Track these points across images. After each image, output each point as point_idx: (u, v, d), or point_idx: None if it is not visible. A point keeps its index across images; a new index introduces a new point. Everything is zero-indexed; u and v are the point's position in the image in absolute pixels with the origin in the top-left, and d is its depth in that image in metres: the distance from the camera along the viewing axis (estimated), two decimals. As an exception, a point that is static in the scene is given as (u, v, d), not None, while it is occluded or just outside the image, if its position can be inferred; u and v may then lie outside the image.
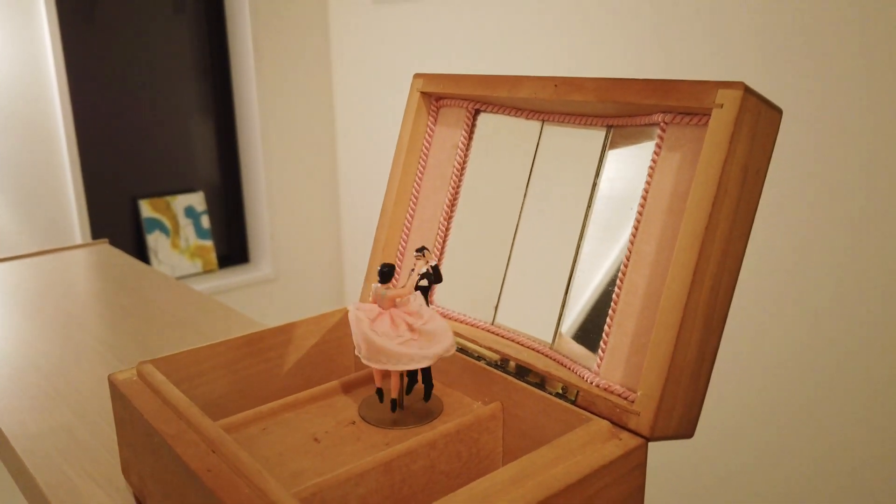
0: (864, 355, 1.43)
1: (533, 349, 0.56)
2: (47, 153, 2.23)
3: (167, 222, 2.66)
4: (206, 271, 2.74)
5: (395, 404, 0.53)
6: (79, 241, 2.33)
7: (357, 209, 2.85)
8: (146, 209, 2.60)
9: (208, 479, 0.41)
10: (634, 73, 1.72)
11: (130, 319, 0.94)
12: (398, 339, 0.48)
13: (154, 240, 2.62)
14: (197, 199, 2.71)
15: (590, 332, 0.53)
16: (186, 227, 2.70)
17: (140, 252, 2.62)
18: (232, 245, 2.88)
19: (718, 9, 1.54)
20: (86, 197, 2.35)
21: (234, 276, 2.74)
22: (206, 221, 2.72)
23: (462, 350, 0.57)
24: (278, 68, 2.67)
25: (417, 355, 0.48)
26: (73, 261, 1.19)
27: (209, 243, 2.74)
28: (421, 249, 0.53)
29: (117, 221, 2.58)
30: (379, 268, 0.50)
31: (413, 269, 0.53)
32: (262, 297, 2.77)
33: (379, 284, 0.51)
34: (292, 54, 2.70)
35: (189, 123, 2.69)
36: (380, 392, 0.54)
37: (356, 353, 0.50)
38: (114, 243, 1.41)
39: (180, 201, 2.68)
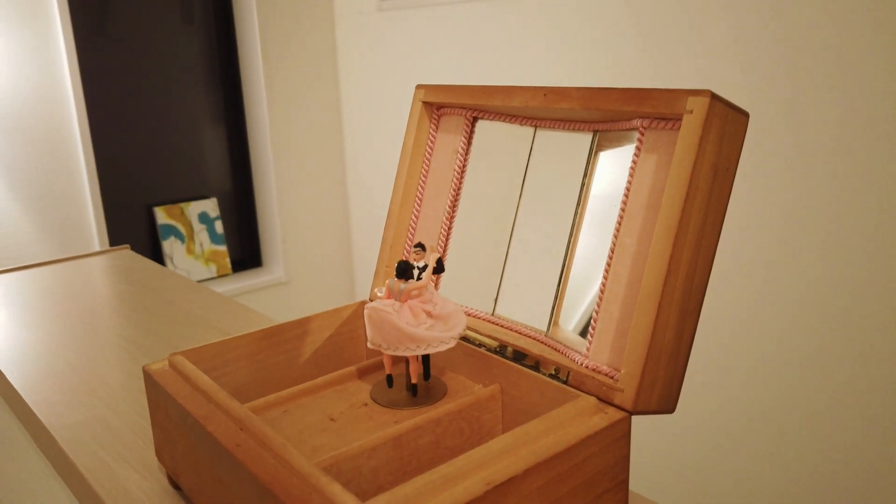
0: (836, 341, 1.52)
1: (529, 336, 0.61)
2: (65, 164, 2.30)
3: (182, 228, 2.72)
4: (221, 276, 2.80)
5: (415, 389, 0.58)
6: (97, 248, 2.40)
7: (366, 213, 2.91)
8: (161, 216, 2.67)
9: (238, 453, 0.46)
10: (622, 82, 1.78)
11: (154, 319, 0.99)
12: (423, 326, 0.54)
13: (169, 245, 2.69)
14: (210, 206, 2.78)
15: (580, 319, 0.58)
16: (200, 232, 2.76)
17: (156, 258, 2.69)
18: (245, 250, 2.94)
19: (696, 23, 1.60)
20: (103, 205, 2.42)
21: (248, 280, 2.80)
22: (219, 227, 2.79)
23: (464, 338, 0.62)
24: (287, 76, 2.73)
25: (444, 337, 0.54)
26: (97, 266, 1.25)
27: (223, 248, 2.80)
28: (419, 245, 0.58)
29: (133, 228, 2.65)
30: (396, 264, 0.56)
31: (425, 264, 0.58)
32: (275, 300, 2.83)
33: (395, 280, 0.56)
34: (300, 62, 2.76)
35: (201, 132, 2.76)
36: (389, 378, 0.59)
37: (371, 345, 0.55)
38: (131, 250, 1.48)
39: (194, 208, 2.74)
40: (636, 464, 1.91)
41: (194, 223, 2.75)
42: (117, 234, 2.57)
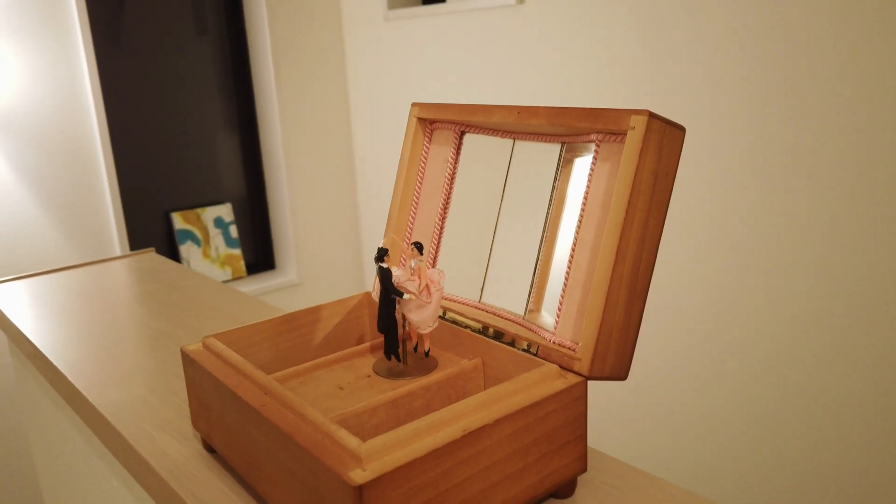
0: (768, 322, 1.67)
1: (508, 319, 0.71)
2: (87, 172, 2.42)
3: (198, 233, 2.84)
4: (236, 278, 2.91)
5: (426, 353, 0.70)
6: (118, 252, 2.52)
7: (375, 216, 3.02)
8: (178, 221, 2.79)
9: (264, 412, 0.56)
10: (625, 83, 1.89)
11: (181, 314, 1.10)
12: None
13: (186, 250, 2.81)
14: (225, 211, 2.89)
15: (551, 303, 0.68)
16: (216, 237, 2.88)
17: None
18: (259, 253, 3.05)
19: (655, 52, 1.71)
20: (123, 211, 2.54)
21: (262, 282, 2.92)
22: (234, 231, 2.90)
23: (453, 321, 0.72)
24: (297, 84, 2.85)
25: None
26: (125, 267, 1.36)
27: (238, 252, 2.92)
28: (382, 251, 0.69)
29: (152, 233, 2.77)
30: (415, 244, 0.68)
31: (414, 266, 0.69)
32: (288, 301, 2.95)
33: (419, 258, 0.68)
34: (310, 71, 2.87)
35: (216, 139, 2.88)
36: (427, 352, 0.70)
37: (424, 329, 0.67)
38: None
39: (210, 213, 2.86)
40: (609, 432, 2.06)
41: (210, 228, 2.87)
42: (137, 239, 2.69)
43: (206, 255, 2.86)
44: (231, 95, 2.88)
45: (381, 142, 2.87)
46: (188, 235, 2.81)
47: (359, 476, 0.47)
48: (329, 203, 3.02)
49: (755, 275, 1.72)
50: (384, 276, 0.70)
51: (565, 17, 1.99)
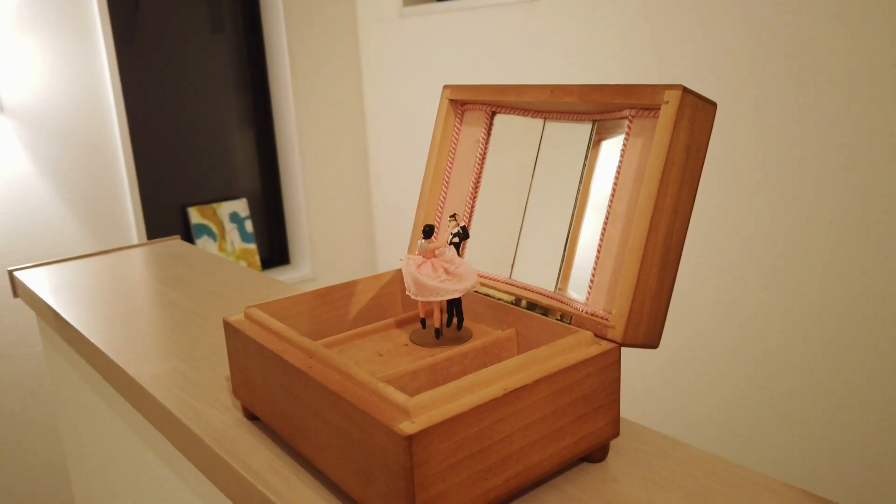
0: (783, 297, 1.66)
1: (540, 293, 0.73)
2: (107, 167, 2.45)
3: (214, 227, 2.87)
4: (251, 272, 2.94)
5: (437, 332, 0.70)
6: (137, 245, 2.55)
7: (389, 211, 3.04)
8: (194, 215, 2.82)
9: (311, 373, 0.59)
10: (629, 78, 1.91)
11: (211, 295, 1.13)
12: (437, 279, 0.66)
13: (202, 244, 2.83)
14: (240, 206, 2.92)
15: (582, 278, 0.70)
16: (231, 231, 2.91)
17: (191, 255, 2.83)
18: (273, 248, 3.08)
19: (697, 26, 1.72)
20: (141, 206, 2.57)
21: (276, 277, 2.94)
22: (249, 226, 2.93)
23: (486, 294, 0.74)
24: (313, 81, 2.88)
25: (451, 289, 0.66)
26: (153, 254, 1.39)
27: (253, 246, 2.94)
28: (453, 215, 0.70)
29: (169, 227, 2.80)
30: (423, 227, 0.68)
31: (457, 231, 0.71)
32: (303, 295, 2.97)
33: (423, 240, 0.69)
34: (325, 68, 2.90)
35: (232, 136, 2.91)
36: (423, 321, 0.71)
37: (406, 292, 0.68)
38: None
39: (225, 208, 2.89)
40: (641, 407, 2.08)
41: (225, 222, 2.90)
42: (154, 233, 2.72)
43: (221, 249, 2.89)
44: (247, 92, 2.91)
45: (396, 138, 2.89)
46: (204, 230, 2.84)
47: (408, 427, 0.49)
48: (343, 198, 3.05)
49: (780, 253, 1.74)
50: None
51: (580, 12, 2.01)
